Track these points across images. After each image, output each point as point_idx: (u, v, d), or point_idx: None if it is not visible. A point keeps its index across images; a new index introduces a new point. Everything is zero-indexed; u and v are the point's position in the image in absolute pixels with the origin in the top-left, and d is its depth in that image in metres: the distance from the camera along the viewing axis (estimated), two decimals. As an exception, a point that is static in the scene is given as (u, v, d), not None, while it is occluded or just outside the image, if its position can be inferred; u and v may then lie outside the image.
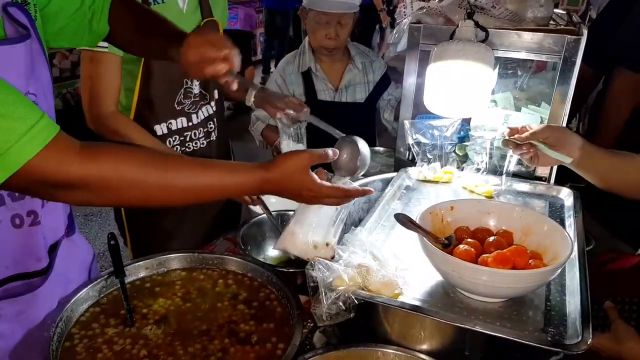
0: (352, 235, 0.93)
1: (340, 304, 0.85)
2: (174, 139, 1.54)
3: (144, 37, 1.12)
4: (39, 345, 0.93)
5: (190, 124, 1.56)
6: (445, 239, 0.93)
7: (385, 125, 2.19)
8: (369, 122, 2.17)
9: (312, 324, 1.19)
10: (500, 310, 0.88)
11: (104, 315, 1.04)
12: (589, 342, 0.76)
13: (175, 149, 1.55)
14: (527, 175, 1.34)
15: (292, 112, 1.30)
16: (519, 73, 1.51)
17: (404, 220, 0.88)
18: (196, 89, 1.54)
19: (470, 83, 1.20)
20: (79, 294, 1.04)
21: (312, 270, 0.88)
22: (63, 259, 1.06)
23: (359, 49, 2.11)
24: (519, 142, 1.17)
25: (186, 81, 1.51)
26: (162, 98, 1.48)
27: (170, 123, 1.51)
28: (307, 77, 2.03)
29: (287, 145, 1.47)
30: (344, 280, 0.85)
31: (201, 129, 1.59)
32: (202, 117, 1.58)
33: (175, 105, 1.51)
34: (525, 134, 1.17)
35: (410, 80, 1.37)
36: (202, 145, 1.61)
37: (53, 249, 1.04)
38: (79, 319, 1.02)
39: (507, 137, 1.20)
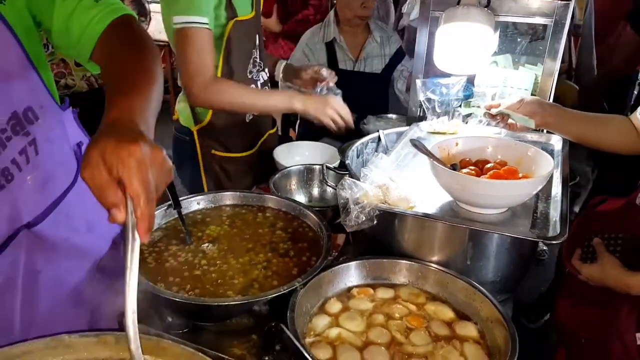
0: (376, 160, 1.12)
1: (365, 214, 1.05)
2: None
3: None
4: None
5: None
6: (451, 165, 1.13)
7: (398, 94, 2.39)
8: (383, 92, 2.37)
9: (336, 254, 1.40)
10: (496, 220, 1.08)
11: (166, 237, 1.24)
12: (565, 236, 0.95)
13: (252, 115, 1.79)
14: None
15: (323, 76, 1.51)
16: (518, 39, 1.69)
17: (418, 145, 1.08)
18: (257, 57, 1.75)
19: (474, 43, 1.38)
20: (145, 221, 1.24)
21: (342, 189, 1.07)
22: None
23: (377, 24, 2.33)
24: (492, 114, 1.41)
25: (252, 51, 1.71)
26: (239, 69, 1.68)
27: None
28: (330, 47, 2.25)
29: None
30: (369, 195, 1.05)
31: None
32: (261, 82, 1.79)
33: (247, 74, 1.72)
34: (500, 107, 1.41)
35: (422, 43, 1.56)
36: None
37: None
38: (146, 239, 1.23)
39: (486, 111, 1.44)
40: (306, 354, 0.66)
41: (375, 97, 2.33)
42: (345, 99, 2.32)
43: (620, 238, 1.38)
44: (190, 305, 0.96)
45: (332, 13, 2.28)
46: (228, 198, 1.40)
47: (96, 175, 0.63)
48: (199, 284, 1.07)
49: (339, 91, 1.72)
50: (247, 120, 1.82)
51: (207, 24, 1.49)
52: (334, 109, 1.55)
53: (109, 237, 1.19)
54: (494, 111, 1.38)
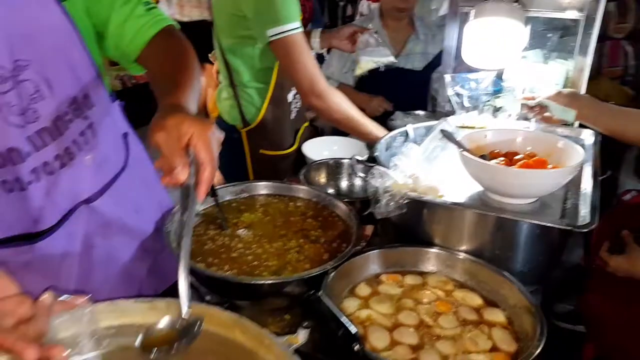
0: (407, 150, 1.16)
1: (395, 202, 1.08)
2: (296, 100, 1.85)
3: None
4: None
5: None
6: (480, 156, 1.15)
7: (434, 95, 2.39)
8: (422, 90, 2.35)
9: (365, 244, 1.43)
10: (526, 210, 1.10)
11: (204, 223, 1.30)
12: (594, 226, 0.96)
13: (297, 107, 1.88)
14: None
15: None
16: (549, 35, 1.69)
17: (448, 134, 1.11)
18: None
19: (504, 38, 1.40)
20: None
21: (373, 178, 1.11)
22: (83, 220, 1.04)
23: (423, 22, 2.33)
24: (530, 105, 1.42)
25: None
26: None
27: (292, 89, 1.81)
28: None
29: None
30: (398, 184, 1.09)
31: None
32: None
33: None
34: (539, 98, 1.42)
35: (451, 39, 1.59)
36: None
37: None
38: (185, 224, 1.29)
39: (523, 101, 1.45)
40: (343, 320, 0.70)
41: (413, 94, 2.31)
42: (382, 93, 2.35)
43: (649, 230, 1.38)
44: (230, 283, 1.01)
45: (376, 6, 2.31)
46: (261, 188, 1.45)
47: (170, 140, 0.75)
48: (236, 264, 1.12)
49: (380, 40, 1.77)
50: (292, 118, 1.89)
51: (300, 27, 1.54)
52: None
53: (153, 220, 1.26)
54: (531, 102, 1.40)
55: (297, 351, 0.76)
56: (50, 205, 0.98)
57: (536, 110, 1.41)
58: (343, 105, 1.60)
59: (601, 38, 1.78)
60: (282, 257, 1.16)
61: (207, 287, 1.04)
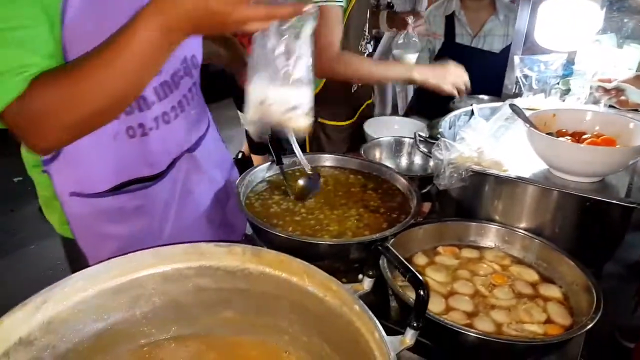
0: (474, 123, 1.17)
1: (458, 174, 1.11)
2: None
3: None
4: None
5: None
6: (547, 134, 1.15)
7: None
8: (499, 72, 2.31)
9: (422, 219, 1.46)
10: (590, 189, 1.09)
11: (270, 188, 1.38)
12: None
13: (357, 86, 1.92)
14: (625, 106, 1.49)
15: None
16: (625, 20, 1.64)
17: (517, 109, 1.11)
18: (366, 31, 1.86)
19: (578, 19, 1.37)
20: (253, 172, 1.39)
21: (438, 150, 1.14)
22: (185, 169, 1.18)
23: (503, 2, 2.30)
24: (608, 88, 1.38)
25: (365, 25, 1.83)
26: (354, 44, 1.80)
27: None
28: (449, 20, 2.27)
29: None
30: (463, 157, 1.11)
31: None
32: (367, 54, 1.93)
33: (359, 47, 1.84)
34: (616, 81, 1.38)
35: (523, 19, 1.57)
36: None
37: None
38: (253, 188, 1.38)
39: (599, 83, 1.41)
40: (410, 266, 0.74)
41: (489, 77, 2.26)
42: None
43: None
44: (293, 242, 1.08)
45: None
46: (324, 160, 1.51)
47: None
48: (299, 227, 1.19)
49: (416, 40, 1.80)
50: (352, 91, 1.93)
51: (340, 2, 1.59)
52: (455, 75, 1.59)
53: (224, 178, 1.40)
54: (609, 85, 1.37)
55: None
56: (164, 152, 1.11)
57: (612, 93, 1.37)
58: (350, 70, 1.64)
59: None
60: (342, 224, 1.21)
61: (271, 246, 1.11)
